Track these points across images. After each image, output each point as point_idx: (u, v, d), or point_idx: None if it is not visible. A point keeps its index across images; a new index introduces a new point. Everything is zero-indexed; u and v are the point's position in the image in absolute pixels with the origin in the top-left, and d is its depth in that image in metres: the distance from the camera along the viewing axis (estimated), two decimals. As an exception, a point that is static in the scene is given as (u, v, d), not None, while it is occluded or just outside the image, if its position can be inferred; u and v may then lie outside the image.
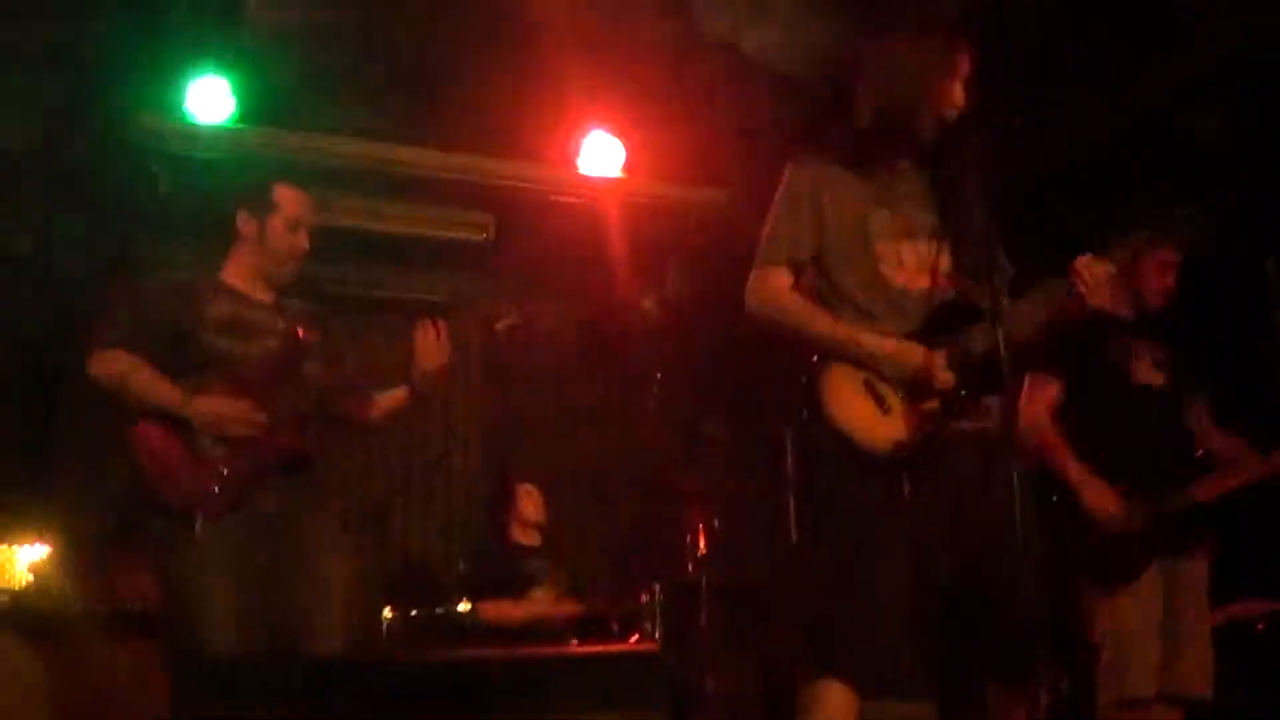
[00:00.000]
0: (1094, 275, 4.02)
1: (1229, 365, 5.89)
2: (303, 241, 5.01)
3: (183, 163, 7.67)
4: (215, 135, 7.64)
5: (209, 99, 7.56)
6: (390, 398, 5.14)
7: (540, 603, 7.39)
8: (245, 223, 5.00)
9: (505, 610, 7.25)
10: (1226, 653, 5.41)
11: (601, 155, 8.28)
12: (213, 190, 7.61)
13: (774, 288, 4.17)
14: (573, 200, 8.37)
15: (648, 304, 8.84)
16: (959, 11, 6.68)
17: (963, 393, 3.99)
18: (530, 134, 8.19)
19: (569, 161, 8.27)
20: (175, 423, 4.62)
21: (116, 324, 4.80)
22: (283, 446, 4.72)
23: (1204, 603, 5.38)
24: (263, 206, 5.00)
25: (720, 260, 8.70)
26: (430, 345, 4.92)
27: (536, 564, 7.49)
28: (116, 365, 4.71)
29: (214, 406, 4.64)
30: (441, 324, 4.96)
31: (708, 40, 7.53)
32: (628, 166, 8.28)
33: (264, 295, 5.02)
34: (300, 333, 4.99)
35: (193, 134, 7.60)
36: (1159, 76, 7.19)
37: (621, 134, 8.27)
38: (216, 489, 4.56)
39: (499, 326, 5.27)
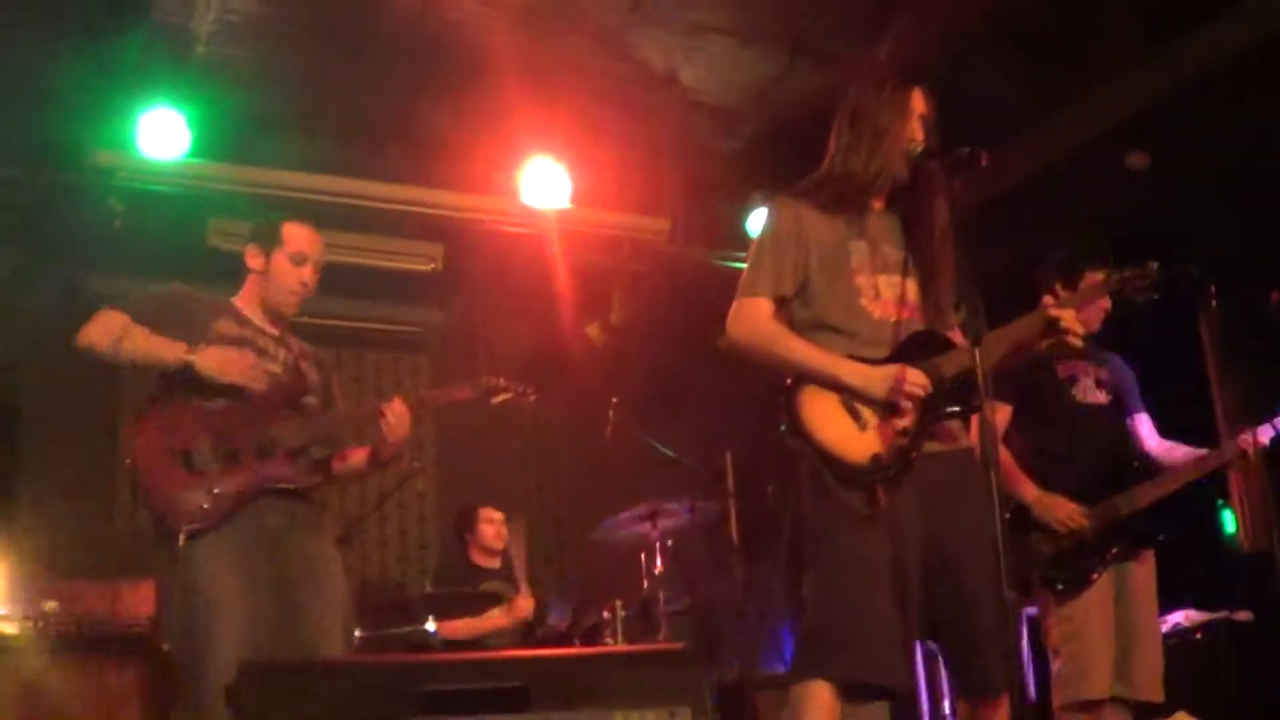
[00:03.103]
0: (1072, 320, 4.29)
1: (1164, 380, 6.18)
2: (307, 277, 5.10)
3: (138, 196, 7.73)
4: (169, 169, 7.71)
5: (163, 133, 7.61)
6: (356, 458, 5.22)
7: (499, 621, 7.58)
8: (253, 256, 5.09)
9: (464, 628, 7.43)
10: (1167, 658, 5.68)
11: (547, 186, 8.40)
12: (167, 224, 7.77)
13: (756, 318, 4.33)
14: (519, 230, 8.50)
15: (592, 330, 8.99)
16: (892, 53, 7.03)
17: (935, 412, 4.25)
18: (477, 166, 8.34)
19: (515, 192, 8.40)
20: (171, 435, 4.68)
21: (130, 303, 4.85)
22: (274, 475, 4.80)
23: (1153, 607, 5.65)
24: (270, 241, 5.07)
25: (662, 288, 8.96)
26: (396, 421, 5.01)
27: (496, 585, 7.65)
28: (113, 323, 4.74)
29: (218, 353, 4.74)
30: (402, 402, 5.04)
31: (649, 74, 7.75)
32: (573, 197, 8.42)
33: (270, 327, 5.11)
34: (304, 366, 5.11)
35: (147, 168, 7.67)
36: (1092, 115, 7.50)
37: (567, 164, 8.40)
38: (205, 505, 4.62)
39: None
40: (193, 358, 4.69)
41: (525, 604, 7.66)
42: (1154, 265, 4.69)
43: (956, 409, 4.27)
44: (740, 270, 4.49)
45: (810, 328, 4.33)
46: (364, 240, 8.33)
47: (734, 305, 4.40)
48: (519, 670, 3.43)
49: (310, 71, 7.71)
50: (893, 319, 4.32)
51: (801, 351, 4.27)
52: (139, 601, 5.74)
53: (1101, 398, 5.76)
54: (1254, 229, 7.50)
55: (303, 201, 7.83)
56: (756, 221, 8.49)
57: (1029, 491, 5.54)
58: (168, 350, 4.72)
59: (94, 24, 7.07)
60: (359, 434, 5.17)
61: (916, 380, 4.15)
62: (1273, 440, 5.64)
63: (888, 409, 4.18)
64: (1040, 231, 6.46)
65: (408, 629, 7.07)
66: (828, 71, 7.57)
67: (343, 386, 5.45)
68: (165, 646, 4.79)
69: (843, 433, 4.20)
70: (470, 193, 8.38)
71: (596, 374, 8.93)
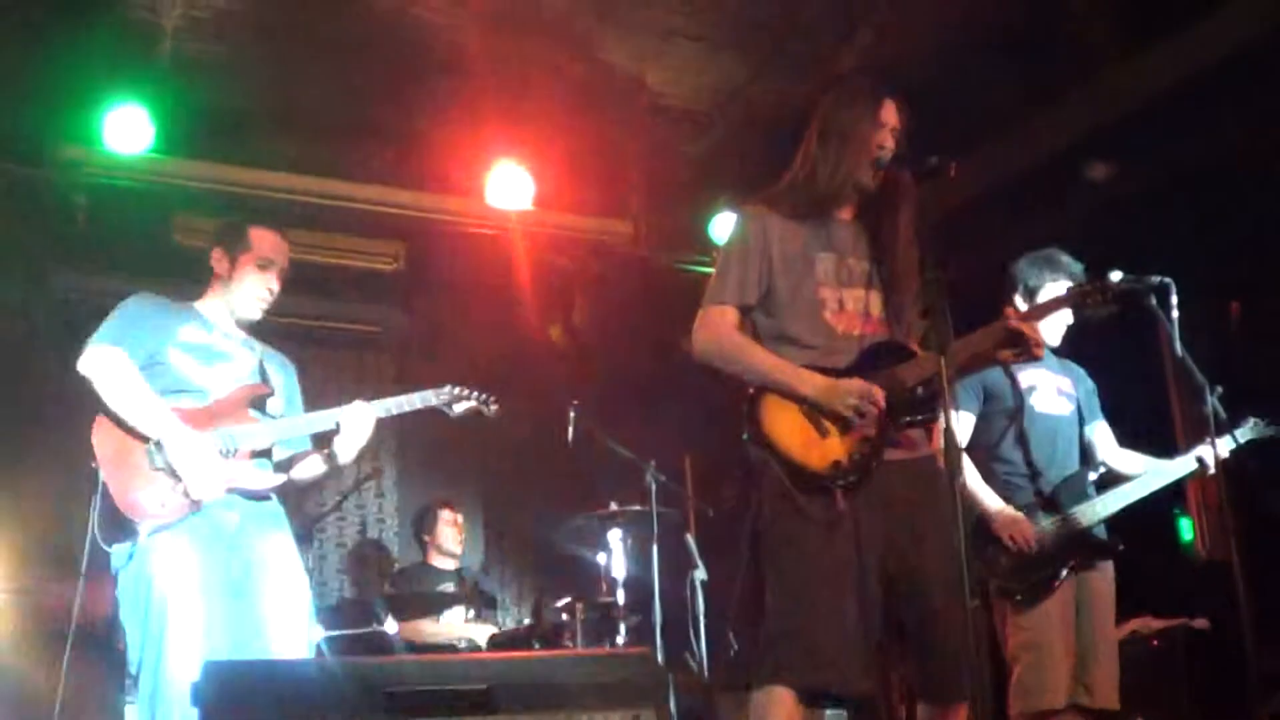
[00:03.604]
0: (1033, 331, 4.33)
1: (1125, 390, 6.22)
2: (273, 282, 5.12)
3: (102, 191, 7.70)
4: (134, 164, 7.69)
5: (128, 128, 7.57)
6: (313, 460, 5.22)
7: (457, 623, 7.59)
8: (219, 261, 5.10)
9: (424, 631, 7.43)
10: (1123, 666, 5.72)
11: (511, 187, 8.40)
12: (132, 219, 7.74)
13: (721, 326, 4.37)
14: (482, 230, 8.50)
15: (555, 332, 9.00)
16: (861, 61, 7.05)
17: (897, 421, 4.27)
18: (440, 166, 8.34)
19: (478, 193, 8.40)
20: (134, 433, 4.67)
21: (111, 328, 4.83)
22: (238, 478, 4.80)
23: (1110, 617, 5.68)
24: (236, 245, 5.09)
25: (625, 291, 8.96)
26: (358, 424, 5.03)
27: (454, 586, 7.66)
28: (114, 364, 4.73)
29: (188, 450, 4.69)
30: (363, 405, 5.05)
31: (616, 77, 7.76)
32: (537, 199, 8.42)
33: (234, 331, 5.12)
34: (268, 369, 5.12)
35: (112, 163, 7.64)
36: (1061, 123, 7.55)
37: (531, 166, 8.40)
38: (165, 503, 4.62)
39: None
40: (164, 444, 4.65)
41: (475, 598, 7.69)
42: (1113, 280, 4.72)
43: (918, 418, 4.31)
44: (703, 275, 4.51)
45: (773, 338, 4.36)
46: (326, 239, 8.33)
47: (700, 313, 4.43)
48: (483, 672, 3.43)
49: (276, 69, 7.69)
50: (855, 332, 4.36)
51: (764, 362, 4.31)
52: (98, 599, 5.71)
53: (1062, 407, 5.79)
54: (1215, 240, 7.56)
55: (266, 199, 7.84)
56: (720, 226, 8.51)
57: (990, 503, 5.57)
58: (148, 425, 4.68)
59: (61, 18, 7.02)
60: (320, 437, 5.15)
61: (871, 395, 4.17)
62: (1231, 451, 5.69)
63: (848, 421, 4.21)
64: (1002, 241, 6.48)
65: (367, 630, 7.07)
66: (795, 77, 7.58)
67: (304, 385, 5.43)
68: (121, 645, 4.73)
69: (804, 440, 4.23)
70: (433, 192, 8.36)
71: (558, 376, 8.95)
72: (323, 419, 5.07)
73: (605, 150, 8.45)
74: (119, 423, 4.69)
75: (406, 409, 5.23)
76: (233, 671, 3.56)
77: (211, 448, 4.74)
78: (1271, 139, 7.11)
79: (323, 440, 5.14)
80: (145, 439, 4.67)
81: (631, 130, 8.21)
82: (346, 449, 5.06)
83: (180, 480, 4.65)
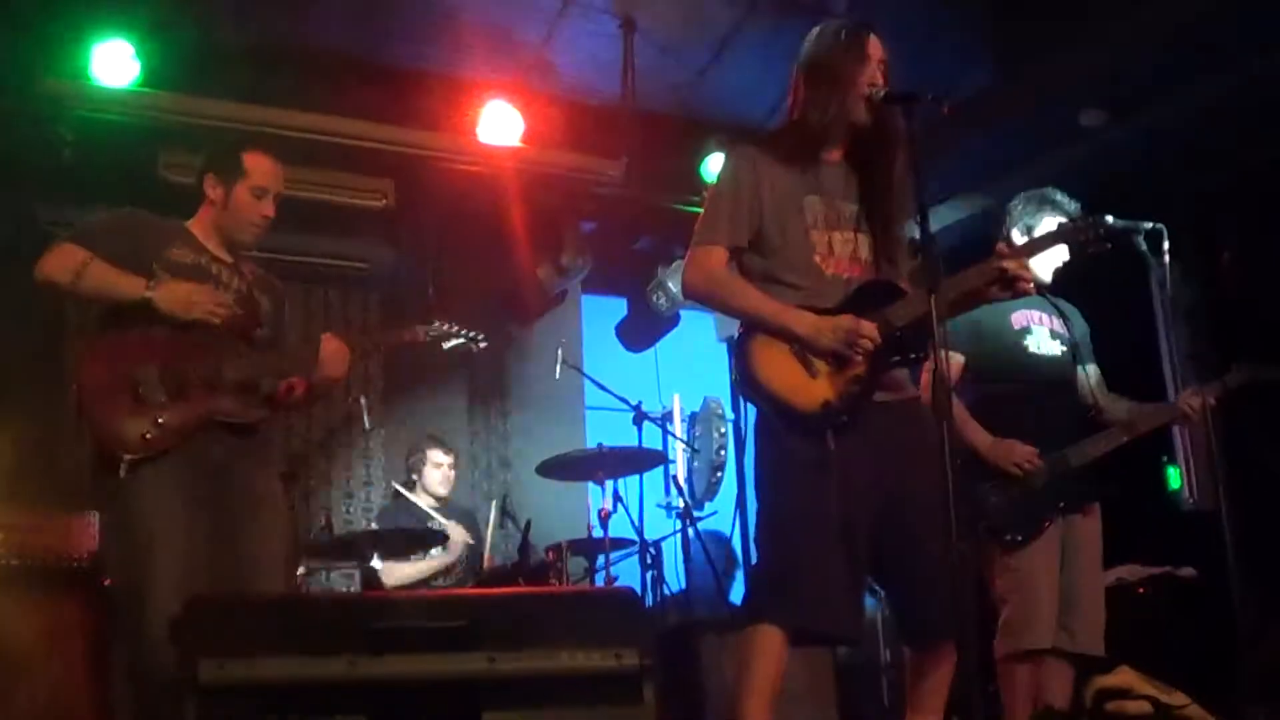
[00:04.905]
0: (1022, 268, 4.31)
1: (1116, 334, 6.20)
2: (268, 209, 5.07)
3: (88, 125, 7.62)
4: (120, 98, 7.58)
5: (113, 62, 7.48)
6: (299, 387, 5.16)
7: (443, 562, 7.60)
8: (213, 187, 5.04)
9: (408, 570, 7.43)
10: (1109, 613, 5.72)
11: (501, 125, 8.32)
12: (118, 153, 7.67)
13: (711, 265, 4.37)
14: (471, 168, 8.43)
15: (543, 272, 8.95)
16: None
17: (887, 360, 4.26)
18: (430, 103, 8.27)
19: (468, 130, 8.33)
20: (118, 363, 4.64)
21: (84, 230, 4.80)
22: (221, 408, 4.77)
23: (1097, 561, 5.69)
24: (231, 172, 5.03)
25: (615, 230, 8.93)
26: (333, 355, 5.02)
27: (440, 526, 7.64)
28: (72, 258, 4.67)
29: (178, 289, 4.69)
30: (341, 339, 5.05)
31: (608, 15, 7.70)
32: (528, 137, 8.36)
33: (224, 254, 5.07)
34: (257, 295, 5.07)
35: (98, 96, 7.54)
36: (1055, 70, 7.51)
37: (522, 105, 8.34)
38: (149, 435, 4.58)
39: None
40: (152, 294, 4.66)
41: (459, 534, 7.69)
42: (1107, 220, 4.70)
43: (908, 357, 4.30)
44: (694, 215, 4.50)
45: (762, 279, 4.37)
46: (314, 174, 8.21)
47: (689, 252, 4.43)
48: (466, 609, 3.43)
49: (265, 3, 7.62)
50: (844, 275, 4.37)
51: (754, 301, 4.30)
52: (83, 534, 5.68)
53: (1055, 349, 5.77)
54: (1208, 187, 7.54)
55: (254, 134, 7.75)
56: (712, 166, 8.48)
57: (982, 439, 5.54)
58: (127, 285, 4.67)
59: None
60: (305, 367, 5.11)
61: (866, 332, 4.17)
62: (1220, 398, 5.67)
63: (838, 359, 4.19)
64: (999, 185, 6.46)
65: (352, 566, 7.06)
66: (787, 17, 7.51)
67: (292, 316, 5.40)
68: (107, 580, 4.71)
69: (794, 381, 4.24)
70: (423, 129, 8.29)
71: (546, 315, 8.94)
72: (308, 350, 5.04)
73: (597, 89, 8.38)
74: (110, 323, 4.69)
75: (393, 344, 5.21)
76: (213, 605, 3.55)
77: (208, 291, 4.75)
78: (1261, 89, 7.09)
79: (309, 370, 5.10)
80: (137, 299, 4.64)
81: (623, 70, 8.13)
82: (322, 380, 5.07)
83: (163, 400, 4.62)
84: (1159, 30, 6.98)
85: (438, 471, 7.98)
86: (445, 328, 5.25)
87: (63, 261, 4.69)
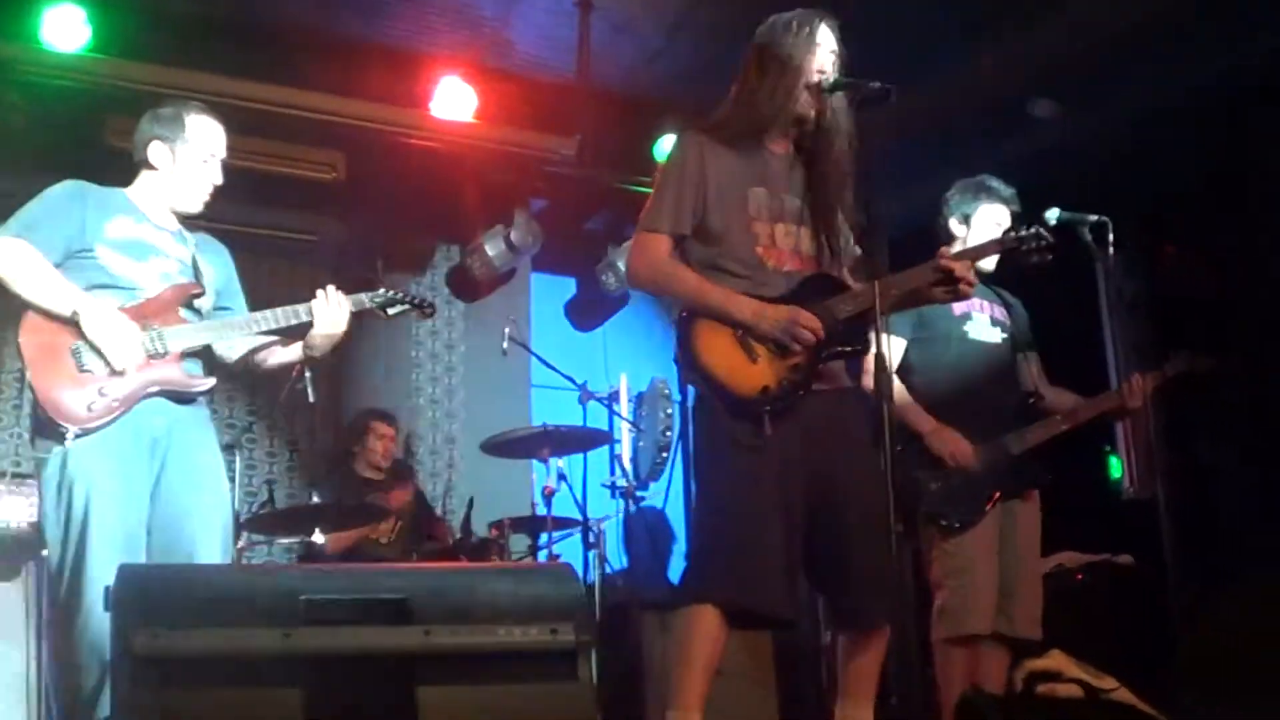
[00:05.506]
0: (965, 270, 4.34)
1: (1060, 325, 6.24)
2: (215, 174, 5.02)
3: (37, 90, 7.56)
4: (70, 63, 7.53)
5: (64, 27, 7.42)
6: (283, 350, 5.17)
7: (385, 535, 7.59)
8: (157, 154, 4.97)
9: (345, 541, 7.41)
10: (1047, 600, 5.77)
11: (455, 100, 8.30)
12: (66, 120, 7.62)
13: (654, 253, 4.39)
14: (423, 143, 8.41)
15: (493, 249, 8.92)
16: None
17: (828, 350, 4.29)
18: (383, 76, 8.23)
19: (421, 104, 8.30)
20: (61, 333, 4.58)
21: (23, 217, 4.71)
22: (164, 377, 4.73)
23: (1036, 547, 5.73)
24: (176, 137, 4.96)
25: (567, 208, 8.92)
26: (330, 311, 4.95)
27: (382, 499, 7.63)
28: (17, 254, 4.59)
29: (104, 318, 4.61)
30: (337, 291, 4.98)
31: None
32: (482, 113, 8.34)
33: (168, 222, 5.02)
34: (202, 263, 5.02)
35: (47, 61, 7.48)
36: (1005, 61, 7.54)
37: (477, 80, 8.31)
38: (93, 405, 4.54)
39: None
40: (79, 313, 4.58)
41: (401, 494, 7.69)
42: (1050, 218, 4.75)
43: (849, 348, 4.34)
44: (646, 195, 4.51)
45: (706, 268, 4.39)
46: (265, 145, 8.19)
47: (634, 239, 4.44)
48: (401, 583, 3.42)
49: (218, -29, 7.59)
50: (785, 268, 4.39)
51: (698, 287, 4.33)
52: (23, 503, 5.65)
53: (995, 336, 5.80)
54: (1155, 181, 7.60)
55: (204, 103, 7.70)
56: (664, 147, 8.47)
57: (924, 424, 5.57)
58: (59, 302, 4.59)
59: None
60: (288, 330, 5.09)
61: (808, 323, 4.20)
62: (1158, 386, 5.72)
63: (779, 346, 4.22)
64: (944, 175, 6.47)
65: (293, 539, 7.06)
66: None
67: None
68: (45, 550, 4.68)
69: (734, 365, 4.27)
70: (375, 102, 8.25)
71: (495, 292, 8.93)
72: (261, 320, 5.02)
73: (552, 67, 8.37)
74: (45, 314, 4.60)
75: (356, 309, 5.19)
76: (147, 576, 3.54)
77: (133, 330, 4.66)
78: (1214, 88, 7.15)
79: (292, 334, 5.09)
80: (64, 321, 4.58)
81: (579, 48, 8.11)
82: (322, 339, 5.00)
83: (106, 371, 4.58)
84: (1112, 23, 7.02)
85: (379, 443, 7.98)
86: (391, 294, 5.23)
87: (7, 263, 4.60)
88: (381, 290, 5.22)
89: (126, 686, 3.15)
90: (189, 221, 5.12)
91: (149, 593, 3.31)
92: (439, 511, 8.63)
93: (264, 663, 3.21)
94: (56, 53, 7.46)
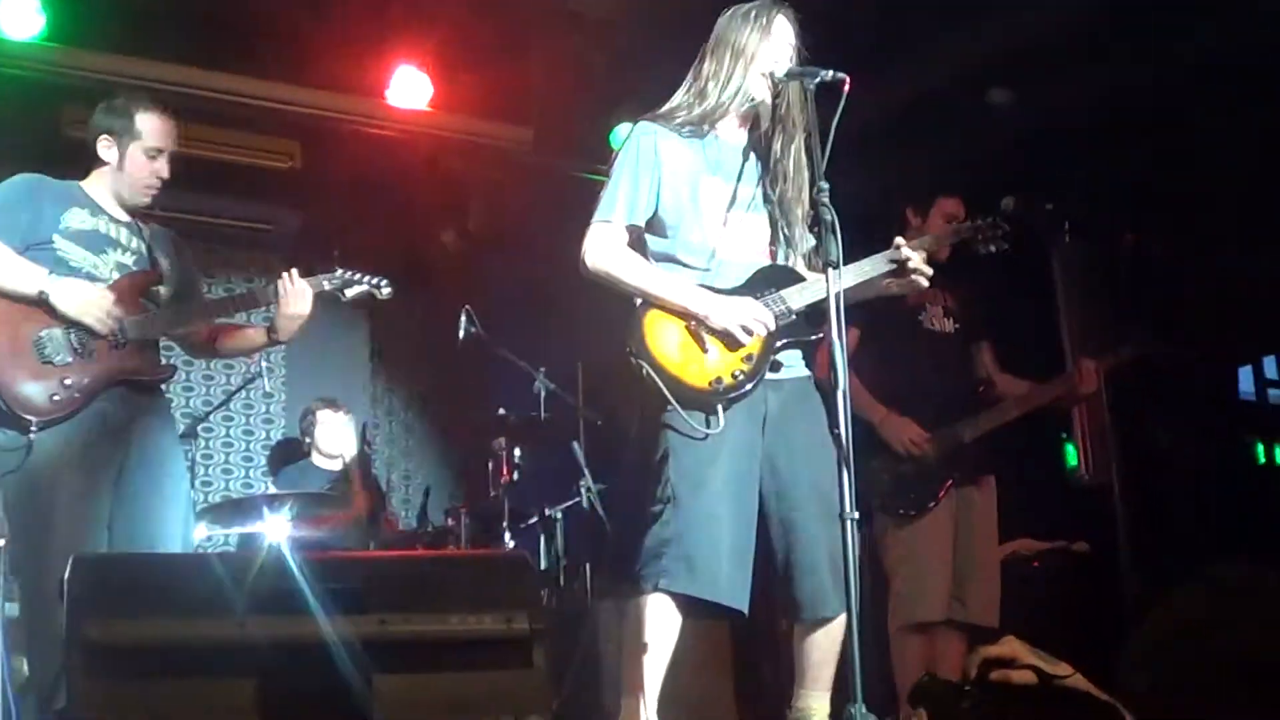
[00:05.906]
0: (920, 262, 4.36)
1: (1016, 312, 6.27)
2: (162, 169, 5.03)
3: (-10, 78, 7.52)
4: (23, 52, 7.48)
5: (18, 15, 7.33)
6: (248, 334, 5.22)
7: (341, 525, 7.55)
8: (106, 148, 4.99)
9: (302, 530, 7.37)
10: (1004, 587, 5.80)
11: (410, 88, 8.27)
12: (20, 109, 7.56)
13: (607, 244, 4.38)
14: (379, 131, 8.38)
15: (448, 237, 8.92)
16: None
17: (781, 340, 4.30)
18: (339, 65, 8.19)
19: (377, 93, 8.28)
20: (23, 324, 4.61)
21: None
22: (125, 367, 4.76)
23: (992, 534, 5.77)
24: (124, 132, 4.98)
25: (522, 197, 8.90)
26: (294, 294, 4.99)
27: (338, 488, 7.61)
28: None
29: (75, 290, 4.65)
30: (295, 274, 5.02)
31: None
32: (437, 102, 8.32)
33: (122, 214, 5.03)
34: (157, 255, 5.04)
35: (1, 50, 7.43)
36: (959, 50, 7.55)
37: (432, 68, 8.29)
38: (56, 396, 4.57)
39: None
40: (48, 292, 4.62)
41: (360, 502, 7.66)
42: (1006, 208, 4.77)
43: (803, 339, 4.35)
44: (601, 184, 4.51)
45: (660, 258, 4.40)
46: (220, 134, 8.17)
47: (589, 229, 4.43)
48: (355, 571, 3.43)
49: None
50: (740, 259, 4.40)
51: (653, 278, 4.34)
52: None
53: (948, 326, 5.83)
54: (1112, 168, 7.62)
55: (159, 92, 7.65)
56: (621, 136, 8.47)
57: (877, 412, 5.60)
58: (26, 282, 4.63)
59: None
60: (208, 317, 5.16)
61: (759, 316, 4.21)
62: (1111, 369, 5.76)
63: (732, 339, 4.23)
64: (899, 164, 6.50)
65: (249, 529, 7.03)
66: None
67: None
68: (1, 541, 4.67)
69: (685, 356, 4.27)
70: (331, 90, 8.23)
71: (451, 280, 8.89)
72: (219, 306, 5.03)
73: (508, 55, 8.35)
74: (7, 300, 4.63)
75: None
76: (100, 564, 3.54)
77: (106, 296, 4.70)
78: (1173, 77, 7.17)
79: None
80: (31, 304, 4.61)
81: (535, 34, 8.10)
82: (287, 320, 5.04)
83: (71, 359, 4.61)
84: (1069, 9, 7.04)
85: (331, 431, 7.96)
86: (347, 275, 5.23)
87: None
88: (339, 271, 5.22)
89: (80, 676, 3.15)
90: (145, 211, 5.12)
91: (102, 582, 3.32)
92: (394, 501, 8.61)
93: (219, 651, 3.21)
94: (10, 41, 7.39)
